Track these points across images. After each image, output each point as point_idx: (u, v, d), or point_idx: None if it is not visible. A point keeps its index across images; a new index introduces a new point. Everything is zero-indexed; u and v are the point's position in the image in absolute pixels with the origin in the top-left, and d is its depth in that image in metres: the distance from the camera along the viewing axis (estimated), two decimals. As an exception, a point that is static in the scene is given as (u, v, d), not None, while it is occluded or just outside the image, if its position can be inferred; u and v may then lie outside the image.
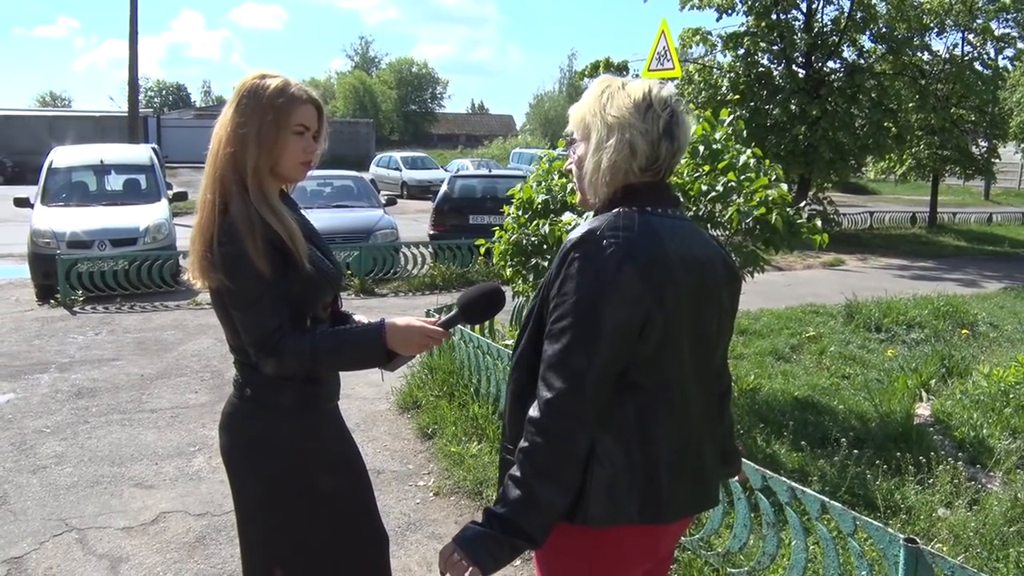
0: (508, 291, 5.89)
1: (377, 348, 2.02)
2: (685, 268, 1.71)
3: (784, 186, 5.08)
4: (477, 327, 6.36)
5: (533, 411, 1.65)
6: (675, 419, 1.75)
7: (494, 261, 5.97)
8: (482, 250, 6.28)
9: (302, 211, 2.27)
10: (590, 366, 1.62)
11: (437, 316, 2.06)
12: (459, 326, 2.31)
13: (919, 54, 19.82)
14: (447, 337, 2.10)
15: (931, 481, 4.20)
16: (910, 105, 19.56)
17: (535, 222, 5.53)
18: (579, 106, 1.82)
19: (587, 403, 1.63)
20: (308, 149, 2.09)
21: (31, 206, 10.73)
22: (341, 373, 2.25)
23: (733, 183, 4.92)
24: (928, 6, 19.73)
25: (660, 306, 1.66)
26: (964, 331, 8.23)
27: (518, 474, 1.64)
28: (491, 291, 2.05)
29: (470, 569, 1.60)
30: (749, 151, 5.15)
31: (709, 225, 5.12)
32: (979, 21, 20.64)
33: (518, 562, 3.74)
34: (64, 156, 11.62)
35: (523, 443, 1.65)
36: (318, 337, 2.01)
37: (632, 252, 1.64)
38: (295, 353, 1.97)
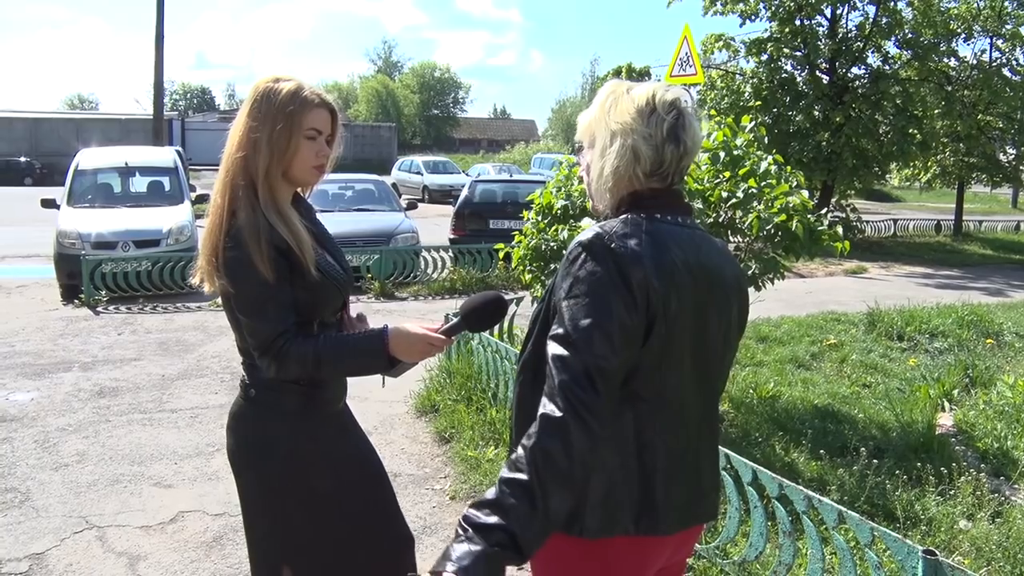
0: (527, 296, 5.90)
1: (380, 354, 2.03)
2: (692, 277, 1.69)
3: (805, 193, 5.04)
4: (497, 332, 6.36)
5: (542, 410, 1.57)
6: (673, 430, 1.72)
7: (513, 266, 5.97)
8: (501, 255, 6.28)
9: (317, 215, 2.28)
10: (595, 369, 1.58)
11: (443, 322, 2.06)
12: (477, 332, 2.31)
13: (946, 60, 19.61)
14: (449, 344, 2.10)
15: (952, 492, 4.15)
16: (935, 111, 19.37)
17: (554, 227, 5.52)
18: (586, 113, 1.82)
19: (596, 404, 1.57)
20: (320, 153, 2.09)
21: (57, 207, 10.88)
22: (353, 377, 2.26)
23: (754, 189, 4.89)
24: (955, 11, 19.53)
25: (664, 314, 1.63)
26: (989, 340, 8.12)
27: (524, 478, 1.48)
28: (493, 299, 2.05)
29: None
30: (770, 157, 5.12)
31: (730, 232, 5.11)
32: (1008, 26, 20.38)
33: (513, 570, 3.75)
34: (90, 158, 11.79)
35: (527, 443, 1.51)
36: (321, 342, 2.01)
37: (639, 258, 1.62)
38: (299, 358, 1.98)
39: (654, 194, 1.75)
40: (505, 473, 1.51)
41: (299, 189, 2.21)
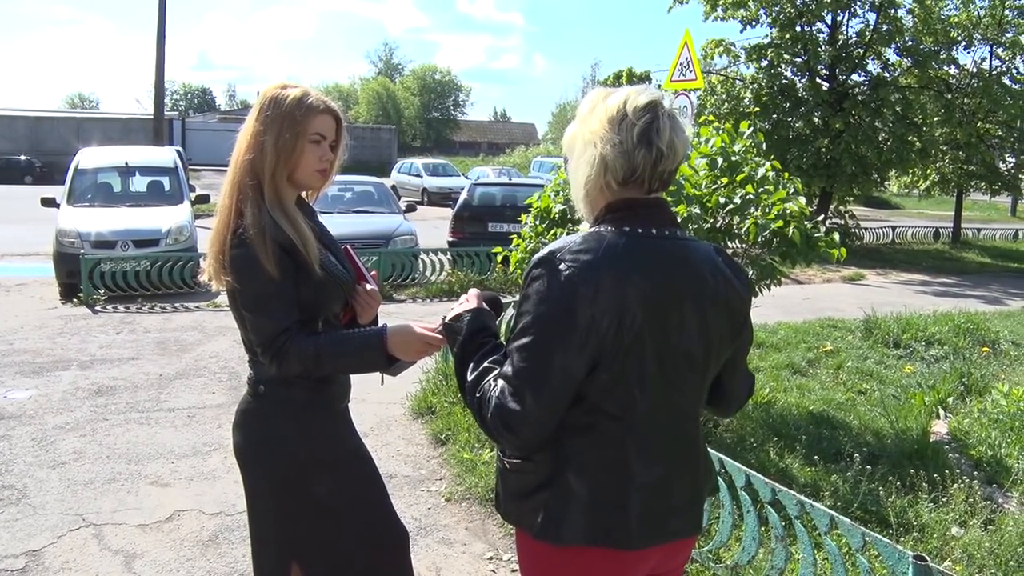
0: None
1: (378, 353, 2.08)
2: (660, 292, 1.66)
3: (802, 199, 5.06)
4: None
5: (495, 406, 1.66)
6: (644, 445, 1.71)
7: (511, 269, 5.99)
8: (499, 258, 6.30)
9: (319, 217, 2.33)
10: (529, 387, 1.62)
11: (439, 323, 2.09)
12: None
13: (945, 68, 19.65)
14: (446, 343, 2.14)
15: (945, 499, 4.17)
16: (935, 119, 19.39)
17: (552, 231, 5.54)
18: (570, 126, 1.83)
19: (518, 421, 1.63)
20: (324, 157, 2.16)
21: (57, 206, 10.89)
22: (355, 376, 2.29)
23: (751, 195, 4.91)
24: (956, 19, 19.59)
25: (616, 332, 1.62)
26: (985, 349, 8.14)
27: (480, 374, 1.73)
28: (489, 299, 2.08)
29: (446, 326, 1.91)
30: (768, 164, 5.14)
31: (727, 237, 5.12)
32: (1008, 35, 20.39)
33: (491, 566, 3.79)
34: (90, 157, 11.79)
35: (487, 391, 1.68)
36: (322, 340, 2.06)
37: (588, 276, 1.61)
38: (299, 354, 2.03)
39: (629, 204, 1.73)
40: (479, 371, 1.75)
41: (304, 194, 2.26)
